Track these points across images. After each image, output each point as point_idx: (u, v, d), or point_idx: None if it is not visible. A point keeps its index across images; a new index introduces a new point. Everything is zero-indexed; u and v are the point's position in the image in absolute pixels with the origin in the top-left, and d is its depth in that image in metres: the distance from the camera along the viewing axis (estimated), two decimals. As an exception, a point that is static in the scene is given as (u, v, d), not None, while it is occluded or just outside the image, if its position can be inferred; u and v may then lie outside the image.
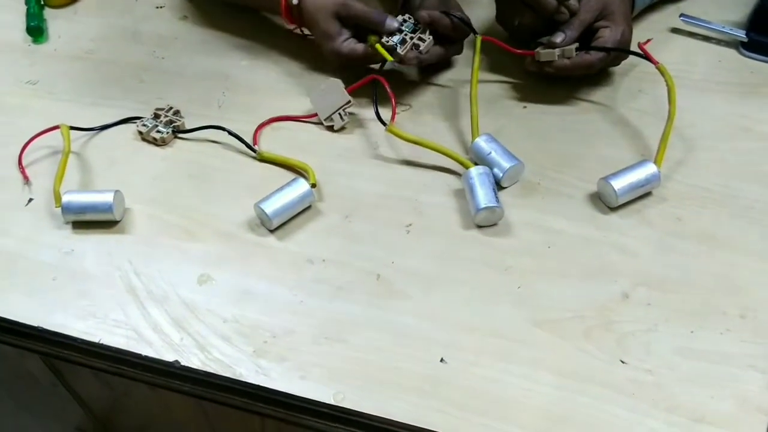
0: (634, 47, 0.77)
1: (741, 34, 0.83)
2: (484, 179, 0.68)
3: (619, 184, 0.67)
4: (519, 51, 0.78)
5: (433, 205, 0.70)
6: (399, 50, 0.76)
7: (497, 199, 0.67)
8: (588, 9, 0.76)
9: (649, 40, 0.76)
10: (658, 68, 0.74)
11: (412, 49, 0.76)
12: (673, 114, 0.71)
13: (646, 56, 0.75)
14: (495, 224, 0.68)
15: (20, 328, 0.63)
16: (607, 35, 0.76)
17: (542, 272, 0.64)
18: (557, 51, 0.75)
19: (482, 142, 0.72)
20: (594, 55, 0.75)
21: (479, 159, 0.71)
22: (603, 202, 0.69)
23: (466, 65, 0.83)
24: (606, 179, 0.68)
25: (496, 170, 0.70)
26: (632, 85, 0.80)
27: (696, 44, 0.85)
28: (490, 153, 0.71)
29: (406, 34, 0.77)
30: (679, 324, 0.60)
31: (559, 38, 0.75)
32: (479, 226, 0.68)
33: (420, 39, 0.77)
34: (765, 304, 0.61)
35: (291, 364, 0.59)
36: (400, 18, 0.77)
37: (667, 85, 0.73)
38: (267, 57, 0.87)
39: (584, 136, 0.75)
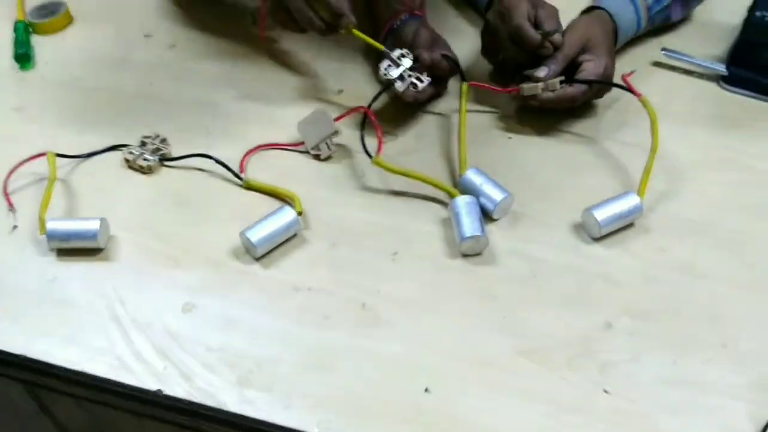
0: (617, 80, 0.78)
1: (721, 68, 0.84)
2: (470, 208, 0.69)
3: (602, 214, 0.68)
4: (503, 89, 0.80)
5: (419, 233, 0.71)
6: (398, 86, 0.77)
7: (482, 229, 0.67)
8: (571, 43, 0.78)
9: (632, 72, 0.78)
10: (640, 100, 0.75)
11: (409, 87, 0.78)
12: (656, 145, 0.72)
13: (629, 88, 0.76)
14: (480, 253, 0.68)
15: (2, 356, 0.63)
16: (590, 68, 0.77)
17: (527, 301, 0.65)
18: (541, 85, 0.76)
19: (472, 175, 0.72)
20: (577, 88, 0.77)
21: (469, 191, 0.72)
22: (586, 232, 0.70)
23: (454, 96, 0.84)
24: (589, 210, 0.69)
25: (487, 202, 0.70)
26: (615, 117, 0.81)
27: (677, 78, 0.87)
28: (481, 184, 0.71)
29: (404, 70, 0.78)
30: (662, 353, 0.61)
31: (543, 72, 0.76)
32: (465, 255, 0.68)
33: (418, 78, 0.78)
34: (746, 334, 0.62)
35: (275, 394, 0.59)
36: (398, 51, 0.78)
37: (650, 117, 0.74)
38: (254, 86, 0.87)
39: (568, 167, 0.76)
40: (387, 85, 0.78)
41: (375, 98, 0.79)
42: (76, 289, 0.67)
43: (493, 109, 0.83)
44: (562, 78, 0.77)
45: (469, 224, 0.68)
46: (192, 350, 0.62)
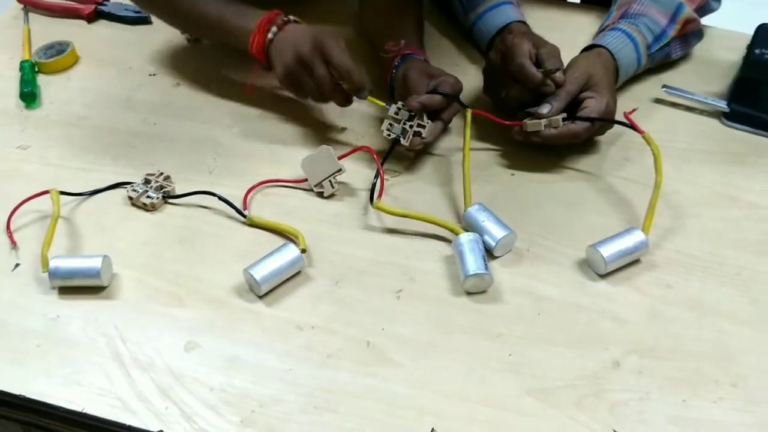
0: (619, 117, 0.79)
1: (723, 105, 0.85)
2: (473, 246, 0.69)
3: (608, 251, 0.68)
4: (507, 122, 0.80)
5: (423, 271, 0.70)
6: (403, 142, 0.79)
7: (486, 266, 0.67)
8: (573, 81, 0.78)
9: (634, 110, 0.78)
10: (644, 137, 0.75)
11: (414, 136, 0.79)
12: (659, 182, 0.72)
13: (632, 125, 0.77)
14: (484, 291, 0.68)
15: (1, 397, 0.62)
16: (593, 105, 0.77)
17: (533, 339, 0.64)
18: (544, 121, 0.77)
19: (474, 212, 0.72)
20: (579, 125, 0.77)
21: (471, 228, 0.72)
22: (592, 269, 0.69)
23: (456, 133, 0.84)
24: (594, 246, 0.68)
25: (488, 240, 0.70)
26: (618, 154, 0.82)
27: (679, 114, 0.87)
28: (483, 221, 0.71)
29: (404, 123, 0.79)
30: (672, 392, 0.60)
31: (545, 109, 0.77)
32: (469, 293, 0.68)
33: (420, 126, 0.79)
34: (755, 372, 0.61)
35: (279, 435, 0.58)
36: (394, 107, 0.79)
37: (653, 153, 0.74)
38: (258, 124, 0.88)
39: (572, 204, 0.76)
40: (393, 143, 0.80)
41: (386, 157, 0.80)
42: (77, 327, 0.66)
43: (495, 147, 0.83)
44: (564, 115, 0.77)
45: (473, 262, 0.67)
46: (194, 390, 0.61)
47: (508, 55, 0.79)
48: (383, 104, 0.80)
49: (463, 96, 0.83)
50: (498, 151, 0.82)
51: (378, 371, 0.62)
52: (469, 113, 0.80)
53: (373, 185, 0.77)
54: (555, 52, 0.79)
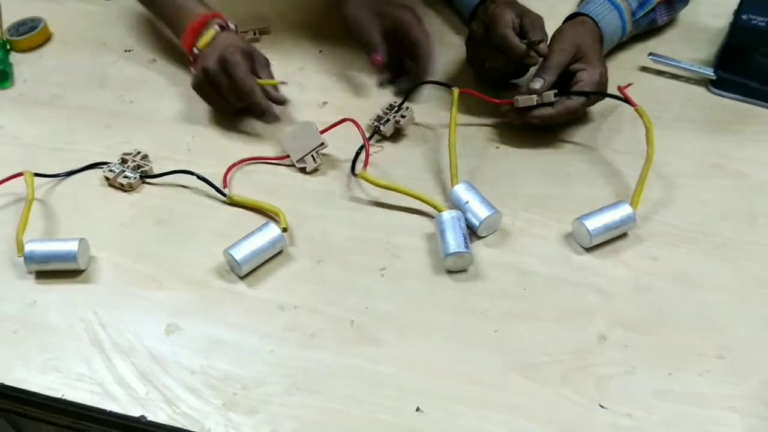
0: (612, 89, 0.77)
1: (709, 72, 0.84)
2: (455, 224, 0.68)
3: (593, 224, 0.67)
4: (497, 101, 0.78)
5: (407, 248, 0.69)
6: (383, 129, 0.79)
7: (467, 245, 0.66)
8: (561, 52, 0.76)
9: (629, 85, 0.76)
10: (636, 110, 0.74)
11: (394, 127, 0.80)
12: (651, 155, 0.71)
13: (626, 99, 0.75)
14: (465, 270, 0.67)
15: (-22, 385, 0.61)
16: (586, 78, 0.76)
17: (518, 315, 0.63)
18: (536, 97, 0.75)
19: (460, 190, 0.71)
20: (576, 101, 0.75)
21: (457, 206, 0.71)
22: (577, 242, 0.69)
23: (441, 107, 0.83)
24: (580, 219, 0.67)
25: (473, 219, 0.69)
26: (607, 125, 0.80)
27: (665, 83, 0.86)
28: (467, 202, 0.70)
29: (389, 115, 0.80)
30: (657, 366, 0.59)
31: (538, 84, 0.75)
32: (450, 271, 0.67)
33: (401, 116, 0.80)
34: (741, 344, 0.61)
35: (262, 417, 0.57)
36: (381, 111, 0.81)
37: (646, 126, 0.73)
38: (237, 100, 0.86)
39: (558, 177, 0.75)
40: (374, 130, 0.80)
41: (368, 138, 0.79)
42: (55, 313, 0.65)
43: (480, 120, 0.81)
44: (556, 90, 0.75)
45: (453, 240, 0.66)
46: (175, 374, 0.60)
47: (490, 26, 0.77)
48: (276, 82, 0.82)
49: (447, 68, 0.81)
50: (482, 125, 0.81)
51: (362, 351, 0.61)
52: (456, 91, 0.79)
53: (357, 155, 0.75)
54: (539, 22, 0.78)
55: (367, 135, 0.79)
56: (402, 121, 0.79)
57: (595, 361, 0.60)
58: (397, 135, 0.81)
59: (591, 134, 0.79)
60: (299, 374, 0.60)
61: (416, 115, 0.81)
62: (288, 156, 0.77)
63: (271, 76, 0.82)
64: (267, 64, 0.83)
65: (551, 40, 0.78)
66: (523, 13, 0.78)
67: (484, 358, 0.61)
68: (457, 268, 0.67)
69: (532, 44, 0.75)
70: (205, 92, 0.81)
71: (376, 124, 0.80)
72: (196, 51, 0.81)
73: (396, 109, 0.81)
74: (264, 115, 0.81)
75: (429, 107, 0.83)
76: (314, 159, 0.76)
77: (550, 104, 0.75)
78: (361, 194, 0.74)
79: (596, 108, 0.80)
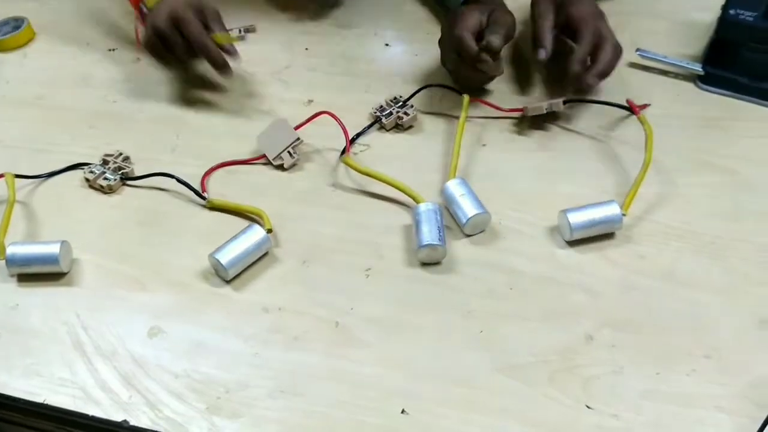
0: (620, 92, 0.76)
1: (698, 68, 0.83)
2: (430, 215, 0.67)
3: (575, 218, 0.66)
4: (507, 109, 0.78)
5: (392, 247, 0.68)
6: (384, 121, 0.79)
7: (441, 238, 0.65)
8: (542, 15, 0.77)
9: (646, 106, 0.78)
10: (639, 118, 0.75)
11: (396, 122, 0.80)
12: (648, 161, 0.71)
13: (631, 109, 0.76)
14: (439, 262, 0.67)
15: (-42, 390, 0.60)
16: (608, 58, 0.75)
17: (505, 315, 0.63)
18: (545, 105, 0.75)
19: (453, 186, 0.70)
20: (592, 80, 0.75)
21: (448, 202, 0.70)
22: (560, 235, 0.68)
23: (444, 107, 0.82)
24: (564, 212, 0.67)
25: (460, 216, 0.68)
26: (598, 123, 0.79)
27: (653, 78, 0.85)
28: (459, 196, 0.69)
29: (393, 109, 0.80)
30: (645, 366, 0.59)
31: (542, 54, 0.76)
32: (424, 264, 0.66)
33: (404, 113, 0.79)
34: (729, 343, 0.60)
35: (246, 421, 0.57)
36: (384, 103, 0.81)
37: (646, 132, 0.73)
38: (221, 99, 0.85)
39: (546, 175, 0.74)
40: (375, 120, 0.81)
41: (364, 130, 0.79)
42: (37, 316, 0.64)
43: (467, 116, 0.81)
44: (564, 98, 0.76)
45: (428, 232, 0.66)
46: (158, 377, 0.60)
47: (451, 26, 0.76)
48: (235, 39, 0.82)
49: (433, 70, 0.81)
50: (468, 122, 0.80)
51: (347, 352, 0.61)
52: (466, 99, 0.79)
53: (344, 149, 0.76)
54: (502, 20, 0.76)
55: (368, 123, 0.79)
56: (405, 118, 0.79)
57: (582, 362, 0.59)
58: (395, 130, 0.80)
59: (582, 133, 0.79)
60: (283, 377, 0.59)
61: (418, 113, 0.81)
62: (265, 155, 0.76)
63: (224, 28, 0.81)
64: (218, 16, 0.82)
65: (531, 8, 0.78)
66: (493, 13, 0.77)
67: (470, 358, 0.60)
68: (430, 260, 0.66)
69: (486, 48, 0.74)
70: (156, 51, 0.81)
71: (378, 114, 0.80)
72: (144, 9, 0.81)
73: (401, 104, 0.80)
74: (220, 69, 0.80)
75: (431, 107, 0.82)
76: (291, 155, 0.76)
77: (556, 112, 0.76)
78: (344, 192, 0.74)
79: (588, 106, 0.79)
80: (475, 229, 0.69)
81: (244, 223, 0.70)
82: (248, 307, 0.64)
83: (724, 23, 0.80)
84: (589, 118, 0.80)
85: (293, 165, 0.76)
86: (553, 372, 0.59)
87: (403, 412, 0.57)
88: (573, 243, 0.67)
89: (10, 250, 0.66)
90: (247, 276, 0.67)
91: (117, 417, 0.57)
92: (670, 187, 0.72)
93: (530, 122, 0.79)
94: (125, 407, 0.58)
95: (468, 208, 0.68)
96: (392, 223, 0.71)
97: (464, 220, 0.68)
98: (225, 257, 0.65)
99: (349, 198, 0.73)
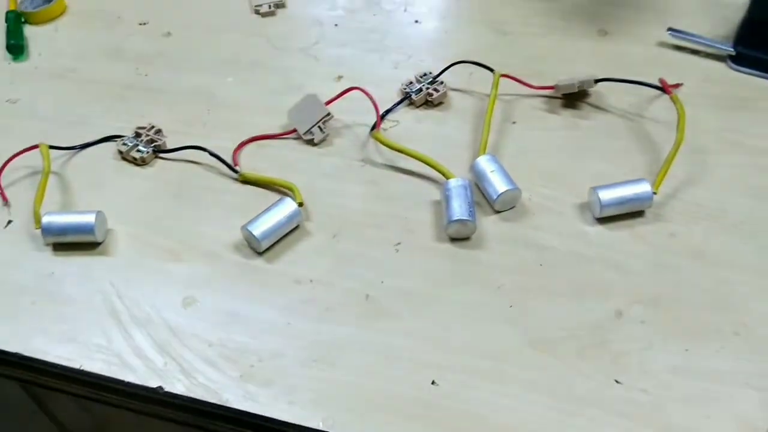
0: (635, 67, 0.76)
1: (729, 48, 0.82)
2: (460, 191, 0.67)
3: (606, 194, 0.66)
4: (538, 86, 0.78)
5: (422, 222, 0.69)
6: (414, 97, 0.79)
7: (471, 213, 0.66)
8: None
9: (679, 85, 0.77)
10: (672, 98, 0.74)
11: (425, 98, 0.80)
12: (680, 141, 0.70)
13: (664, 88, 0.76)
14: (469, 238, 0.67)
15: (-2, 355, 0.61)
16: None
17: (535, 291, 0.63)
18: (576, 83, 0.75)
19: (484, 162, 0.70)
20: None
21: (478, 178, 0.70)
22: (590, 212, 0.68)
23: (475, 84, 0.82)
24: (595, 189, 0.67)
25: (491, 192, 0.69)
26: (632, 102, 0.79)
27: (684, 58, 0.85)
28: (491, 172, 0.69)
29: (422, 85, 0.80)
30: (674, 342, 0.59)
31: None
32: (453, 239, 0.67)
33: (434, 90, 0.79)
34: (759, 320, 0.60)
35: (279, 389, 0.58)
36: (414, 79, 0.81)
37: (678, 113, 0.72)
38: (253, 73, 0.86)
39: (578, 153, 0.74)
40: (404, 96, 0.81)
41: (393, 106, 0.79)
42: (73, 284, 0.66)
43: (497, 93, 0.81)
44: (596, 77, 0.76)
45: (457, 208, 0.66)
46: (193, 345, 0.61)
47: None
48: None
49: (463, 47, 0.80)
50: (498, 99, 0.80)
51: (377, 324, 0.62)
52: (496, 75, 0.79)
53: (374, 125, 0.76)
54: None
55: (398, 99, 0.80)
56: (435, 95, 0.79)
57: (612, 337, 0.60)
58: (424, 107, 0.80)
59: (614, 111, 0.79)
60: (315, 347, 0.60)
61: (448, 90, 0.81)
62: (296, 130, 0.77)
63: None
64: None
65: None
66: None
67: (500, 332, 0.61)
68: (459, 235, 0.67)
69: None
70: None
71: (407, 90, 0.80)
72: None
73: (430, 80, 0.80)
74: None
75: (461, 83, 0.82)
76: (321, 130, 0.76)
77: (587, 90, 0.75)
78: (374, 168, 0.74)
79: (619, 85, 0.79)
80: (505, 206, 0.69)
81: (276, 196, 0.70)
82: (280, 279, 0.65)
83: (758, 2, 0.80)
84: (620, 96, 0.79)
85: (323, 140, 0.77)
86: (583, 347, 0.59)
87: (433, 383, 0.58)
88: (603, 220, 0.68)
89: (46, 219, 0.68)
90: (279, 248, 0.68)
91: (152, 383, 0.58)
92: (701, 167, 0.72)
93: (561, 100, 0.79)
94: (160, 374, 0.59)
95: (498, 184, 0.68)
96: (422, 199, 0.71)
97: (495, 196, 0.68)
98: (258, 229, 0.66)
99: (379, 173, 0.74)
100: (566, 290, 0.63)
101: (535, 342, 0.60)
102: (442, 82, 0.80)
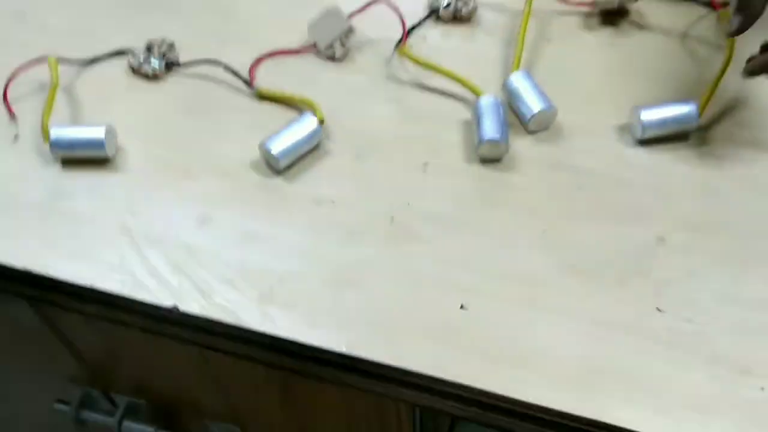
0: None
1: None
2: (491, 109, 0.63)
3: (648, 115, 0.62)
4: (575, 2, 0.74)
5: (451, 142, 0.65)
6: (442, 10, 0.74)
7: (503, 132, 0.62)
8: None
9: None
10: (719, 14, 0.71)
11: (453, 14, 0.74)
12: (729, 59, 0.66)
13: (713, 6, 0.72)
14: (500, 159, 0.63)
15: (5, 271, 0.58)
16: None
17: (570, 215, 0.60)
18: None
19: (517, 78, 0.66)
20: None
21: (511, 96, 0.66)
22: (631, 134, 0.64)
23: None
24: (637, 108, 0.63)
25: (524, 112, 0.64)
26: (677, 21, 0.74)
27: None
28: (523, 90, 0.65)
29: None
30: (720, 270, 0.56)
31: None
32: (484, 160, 0.63)
33: (464, 3, 0.74)
34: (811, 250, 0.57)
35: (299, 311, 0.55)
36: None
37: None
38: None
39: (617, 73, 0.70)
40: (431, 11, 0.75)
41: (421, 21, 0.74)
42: (83, 201, 0.62)
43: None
44: None
45: (489, 127, 0.62)
46: (209, 265, 0.58)
47: None
48: None
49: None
50: (532, 16, 0.75)
51: (403, 247, 0.58)
52: None
53: (400, 41, 0.71)
54: None
55: (425, 14, 0.75)
56: (464, 10, 0.74)
57: (654, 265, 0.56)
58: (453, 23, 0.75)
59: (657, 30, 0.73)
60: (338, 269, 0.57)
61: (478, 5, 0.76)
62: (316, 46, 0.73)
63: None
64: None
65: None
66: None
67: (534, 258, 0.57)
68: (491, 156, 0.63)
69: None
70: None
71: (435, 3, 0.75)
72: None
73: None
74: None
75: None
76: (343, 45, 0.72)
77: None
78: (400, 85, 0.70)
79: (664, 3, 0.74)
80: (540, 126, 0.65)
81: (294, 113, 0.66)
82: (300, 200, 0.62)
83: None
84: (664, 15, 0.74)
85: (345, 56, 0.72)
86: (622, 274, 0.56)
87: (462, 307, 0.55)
88: (644, 142, 0.64)
89: (54, 133, 0.64)
90: (299, 168, 0.64)
91: (167, 303, 0.56)
92: (749, 89, 0.67)
93: (600, 17, 0.74)
94: (175, 293, 0.56)
95: (533, 103, 0.64)
96: (450, 118, 0.67)
97: (528, 116, 0.64)
98: (276, 147, 0.62)
99: (405, 91, 0.69)
100: (605, 216, 0.59)
101: (570, 268, 0.56)
102: None
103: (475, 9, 0.75)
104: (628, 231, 0.58)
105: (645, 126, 0.62)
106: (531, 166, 0.63)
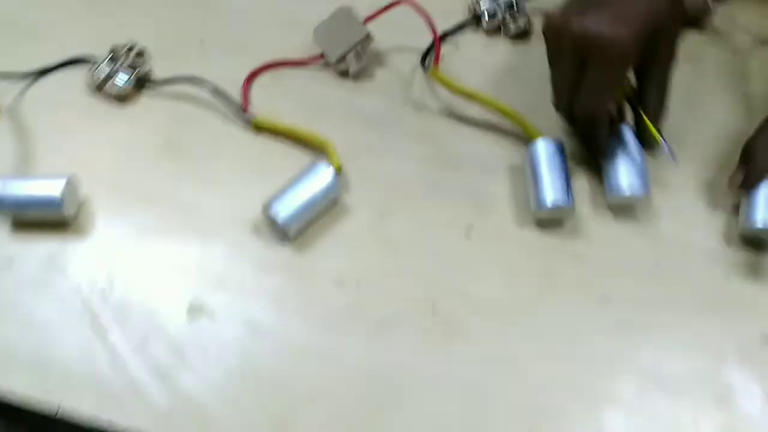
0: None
1: None
2: (554, 159, 0.51)
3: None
4: None
5: (500, 197, 0.52)
6: (484, 22, 0.61)
7: (568, 194, 0.50)
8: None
9: None
10: None
11: (499, 25, 0.61)
12: None
13: None
14: (561, 224, 0.51)
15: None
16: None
17: (650, 304, 0.48)
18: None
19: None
20: None
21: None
22: (743, 218, 0.50)
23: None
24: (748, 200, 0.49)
25: (612, 183, 0.51)
26: None
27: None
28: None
29: (496, 5, 0.61)
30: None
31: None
32: (540, 225, 0.51)
33: (513, 15, 0.60)
34: None
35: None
36: None
37: None
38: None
39: (693, 103, 0.57)
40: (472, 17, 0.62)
41: (454, 30, 0.61)
42: (36, 275, 0.49)
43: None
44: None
45: (549, 185, 0.50)
46: (201, 372, 0.45)
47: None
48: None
49: None
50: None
51: (450, 348, 0.46)
52: None
53: (427, 51, 0.58)
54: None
55: (466, 17, 0.61)
56: (512, 25, 0.60)
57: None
58: (498, 36, 0.62)
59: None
60: (368, 382, 0.45)
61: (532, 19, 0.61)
62: (323, 56, 0.58)
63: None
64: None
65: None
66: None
67: (616, 366, 0.46)
68: (550, 218, 0.51)
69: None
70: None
71: (475, 7, 0.61)
72: None
73: (512, 5, 0.61)
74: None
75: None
76: (358, 57, 0.58)
77: None
78: (429, 114, 0.57)
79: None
80: (621, 205, 0.52)
81: (300, 151, 0.53)
82: (316, 279, 0.49)
83: None
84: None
85: (360, 71, 0.58)
86: (718, 388, 0.45)
87: (527, 437, 0.44)
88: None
89: (-1, 187, 0.50)
90: (312, 232, 0.51)
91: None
92: None
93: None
94: (163, 417, 0.44)
95: (625, 180, 0.50)
96: (498, 160, 0.54)
97: (616, 194, 0.50)
98: (284, 211, 0.49)
99: (436, 123, 0.56)
100: (691, 302, 0.48)
101: (659, 381, 0.45)
102: (524, 8, 0.61)
103: (527, 22, 0.61)
104: (729, 329, 0.47)
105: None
106: (604, 233, 0.51)
